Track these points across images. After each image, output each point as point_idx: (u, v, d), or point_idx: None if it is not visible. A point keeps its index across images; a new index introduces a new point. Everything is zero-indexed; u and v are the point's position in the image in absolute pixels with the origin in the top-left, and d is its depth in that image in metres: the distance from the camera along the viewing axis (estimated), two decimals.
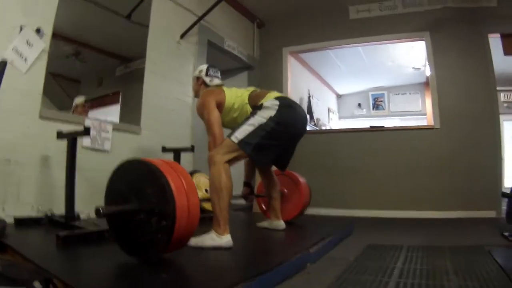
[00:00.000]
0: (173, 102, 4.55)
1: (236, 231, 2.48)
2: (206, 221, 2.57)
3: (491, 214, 4.76)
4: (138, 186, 1.91)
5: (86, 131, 2.78)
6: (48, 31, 3.18)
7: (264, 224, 3.32)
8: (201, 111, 2.87)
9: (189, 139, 4.62)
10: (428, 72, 6.06)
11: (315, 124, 8.04)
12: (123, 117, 4.00)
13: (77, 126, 3.16)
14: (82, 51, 3.72)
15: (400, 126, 7.35)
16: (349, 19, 5.92)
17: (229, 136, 2.61)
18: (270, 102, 2.72)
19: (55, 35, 3.24)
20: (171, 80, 4.53)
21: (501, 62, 5.81)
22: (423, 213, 4.95)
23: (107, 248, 2.23)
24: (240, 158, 2.67)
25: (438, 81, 5.37)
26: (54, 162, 3.14)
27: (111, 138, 3.64)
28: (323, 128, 8.54)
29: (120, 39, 4.19)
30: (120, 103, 4.12)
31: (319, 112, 8.62)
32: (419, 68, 8.23)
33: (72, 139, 2.84)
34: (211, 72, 3.13)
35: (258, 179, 3.60)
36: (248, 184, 3.49)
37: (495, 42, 5.23)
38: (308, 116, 7.51)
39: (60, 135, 2.96)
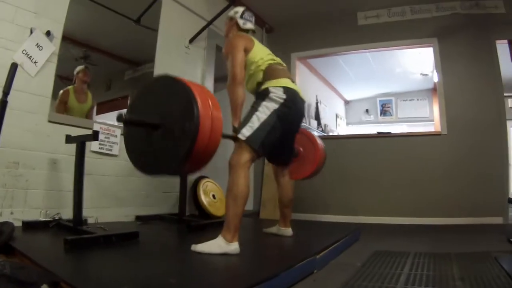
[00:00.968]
0: None
1: (243, 236, 2.48)
2: (214, 226, 2.58)
3: (498, 220, 4.71)
4: (163, 99, 2.09)
5: (95, 135, 2.78)
6: (58, 34, 3.22)
7: (272, 230, 3.32)
8: (228, 50, 2.84)
9: None
10: (435, 78, 6.04)
11: (322, 130, 8.03)
12: None
13: (86, 130, 3.18)
14: (91, 54, 3.74)
15: (408, 132, 7.33)
16: (357, 25, 5.92)
17: (238, 133, 2.57)
18: (276, 93, 2.70)
19: (64, 38, 3.27)
20: None
21: (508, 68, 5.82)
22: (430, 219, 4.92)
23: (114, 252, 2.24)
24: (254, 157, 2.59)
25: (446, 87, 5.35)
26: (62, 166, 3.16)
27: (119, 142, 3.66)
28: (331, 134, 8.52)
29: (129, 43, 4.23)
30: None
31: (327, 118, 8.61)
32: (426, 74, 8.21)
33: (80, 143, 2.84)
34: (246, 15, 3.12)
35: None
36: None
37: (503, 48, 5.22)
38: (315, 123, 7.53)
39: (69, 139, 2.98)
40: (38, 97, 3.04)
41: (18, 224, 2.73)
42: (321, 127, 7.99)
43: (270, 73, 2.83)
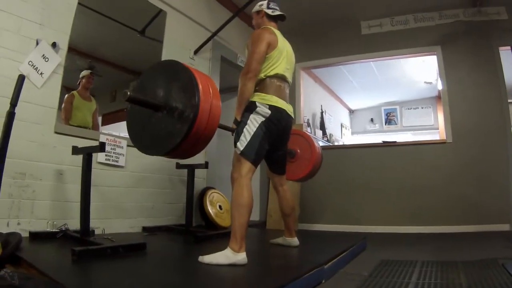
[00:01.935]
0: None
1: (250, 247, 2.47)
2: (221, 237, 2.57)
3: (505, 227, 4.68)
4: (167, 82, 2.23)
5: (102, 147, 2.78)
6: (64, 45, 3.23)
7: (278, 240, 3.31)
8: (252, 40, 2.85)
9: (203, 156, 4.54)
10: (440, 86, 6.05)
11: (328, 139, 8.02)
12: None
13: (92, 141, 3.19)
14: (96, 65, 3.76)
15: (413, 141, 7.31)
16: (361, 34, 5.94)
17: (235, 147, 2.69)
18: (263, 108, 2.74)
19: (70, 49, 3.29)
20: None
21: None
22: (436, 227, 4.88)
23: (122, 263, 2.24)
24: (253, 167, 2.65)
25: (450, 95, 5.35)
26: (68, 176, 3.17)
27: (125, 154, 3.67)
28: (336, 143, 8.52)
29: (134, 54, 4.25)
30: None
31: (332, 127, 8.63)
32: (430, 82, 8.22)
33: (87, 155, 2.84)
34: (271, 5, 3.15)
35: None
36: None
37: (506, 54, 5.23)
38: (320, 133, 7.53)
39: (75, 150, 2.99)
40: (44, 108, 3.05)
41: (25, 234, 2.73)
42: (327, 136, 7.98)
43: (262, 85, 2.85)
